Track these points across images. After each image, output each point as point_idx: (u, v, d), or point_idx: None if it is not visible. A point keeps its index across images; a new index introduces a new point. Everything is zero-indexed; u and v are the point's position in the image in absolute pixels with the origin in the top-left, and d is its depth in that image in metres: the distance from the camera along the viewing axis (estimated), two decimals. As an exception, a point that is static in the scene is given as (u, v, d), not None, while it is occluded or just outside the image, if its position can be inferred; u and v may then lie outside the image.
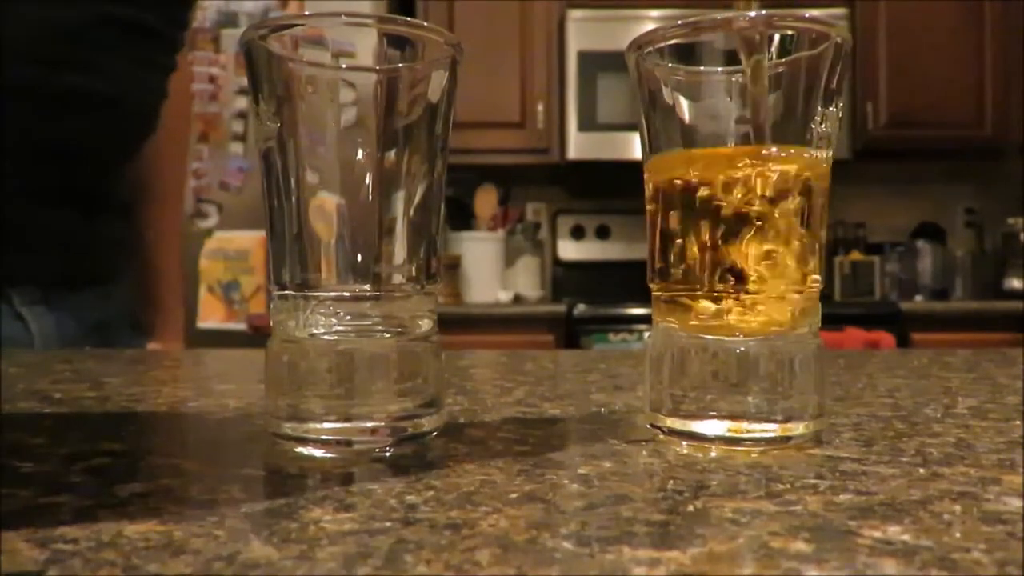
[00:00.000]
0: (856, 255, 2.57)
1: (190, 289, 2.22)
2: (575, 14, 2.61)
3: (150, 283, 0.95)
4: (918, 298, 2.54)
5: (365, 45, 0.30)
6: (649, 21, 2.59)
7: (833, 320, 2.25)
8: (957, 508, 0.21)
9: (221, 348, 0.91)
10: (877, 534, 0.19)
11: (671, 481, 0.24)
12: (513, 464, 0.26)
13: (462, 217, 2.67)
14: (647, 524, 0.20)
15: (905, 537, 0.18)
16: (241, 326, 2.24)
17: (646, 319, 2.61)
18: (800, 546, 0.18)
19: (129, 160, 0.86)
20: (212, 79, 2.32)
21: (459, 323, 2.37)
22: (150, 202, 0.94)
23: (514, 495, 0.22)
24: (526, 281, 2.70)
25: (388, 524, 0.19)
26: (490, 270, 2.60)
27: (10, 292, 0.75)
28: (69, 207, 0.79)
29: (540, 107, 2.68)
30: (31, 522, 0.19)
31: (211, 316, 2.32)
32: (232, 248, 2.29)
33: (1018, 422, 0.33)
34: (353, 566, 0.17)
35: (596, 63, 2.61)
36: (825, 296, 2.66)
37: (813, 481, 0.24)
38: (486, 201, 2.70)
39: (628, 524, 0.20)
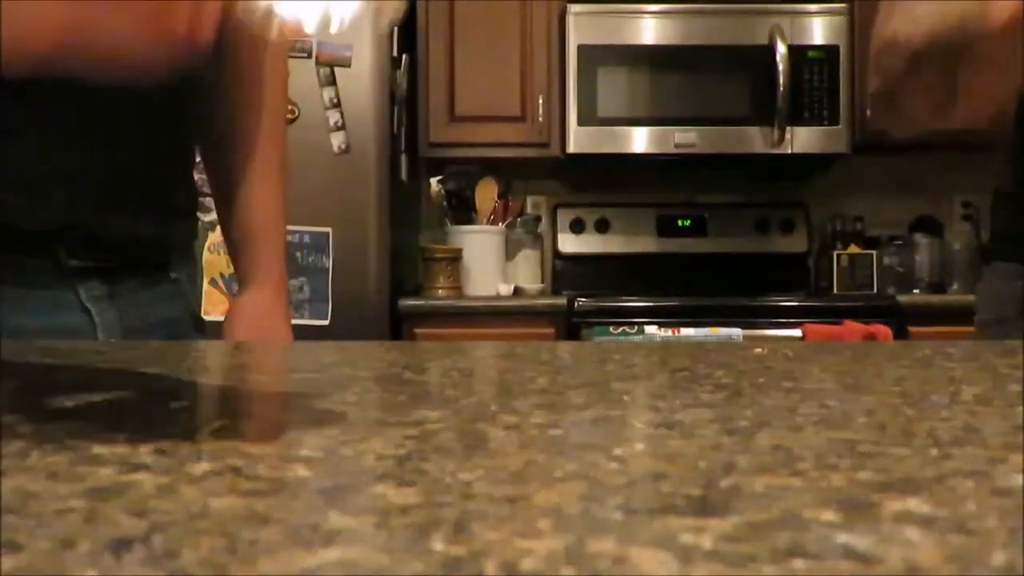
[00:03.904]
0: (854, 248, 2.59)
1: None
2: (575, 8, 2.62)
3: (247, 237, 0.92)
4: (915, 291, 2.57)
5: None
6: (649, 16, 2.61)
7: (831, 313, 2.27)
8: (970, 484, 0.23)
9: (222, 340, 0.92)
10: (898, 506, 0.20)
11: (701, 461, 0.26)
12: (551, 446, 0.28)
13: (463, 211, 2.68)
14: (686, 498, 0.21)
15: (924, 508, 0.20)
16: (244, 319, 2.25)
17: (646, 312, 2.63)
18: (830, 516, 0.20)
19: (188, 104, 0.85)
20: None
21: (460, 316, 2.39)
22: (246, 149, 0.91)
23: (558, 473, 0.24)
24: (526, 274, 2.72)
25: (449, 498, 0.21)
26: (490, 263, 2.62)
27: (78, 285, 0.77)
28: (142, 172, 0.79)
29: (540, 101, 2.69)
30: (122, 496, 0.21)
31: (214, 309, 2.33)
32: (235, 242, 2.30)
33: (1020, 408, 0.35)
34: (427, 534, 0.18)
35: (596, 57, 2.62)
36: (823, 289, 2.68)
37: (834, 461, 0.25)
38: (486, 195, 2.71)
39: (669, 498, 0.21)
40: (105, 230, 0.78)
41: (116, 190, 0.79)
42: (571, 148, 2.57)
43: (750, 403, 0.36)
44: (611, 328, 2.28)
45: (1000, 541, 0.18)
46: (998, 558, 0.17)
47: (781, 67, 2.46)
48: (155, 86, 0.79)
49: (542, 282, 2.75)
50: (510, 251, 2.69)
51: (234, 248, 0.95)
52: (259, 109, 0.93)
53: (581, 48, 2.56)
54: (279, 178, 0.95)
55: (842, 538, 0.18)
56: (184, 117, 0.85)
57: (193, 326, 0.90)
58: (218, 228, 2.51)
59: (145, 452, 0.26)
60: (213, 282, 2.34)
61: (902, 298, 2.32)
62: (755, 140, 2.57)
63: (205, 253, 2.29)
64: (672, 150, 2.55)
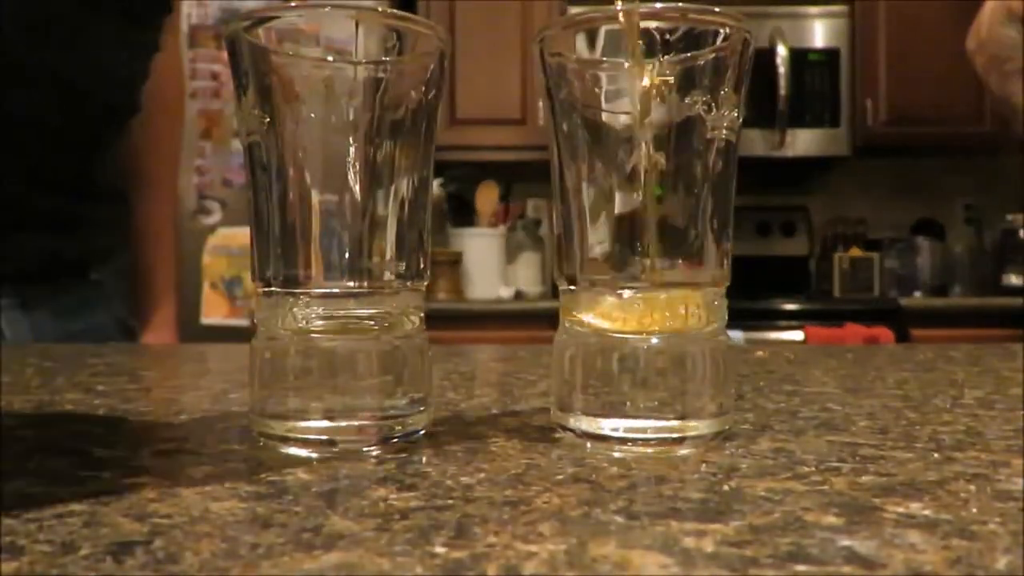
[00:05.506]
0: (855, 251, 2.59)
1: (193, 285, 2.23)
2: (576, 9, 2.61)
3: (141, 274, 0.89)
4: (917, 294, 2.56)
5: (352, 38, 0.30)
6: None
7: (832, 316, 2.27)
8: (972, 487, 0.23)
9: (224, 343, 0.91)
10: (900, 509, 0.20)
11: (703, 464, 0.25)
12: (552, 449, 0.28)
13: (464, 213, 2.68)
14: (688, 501, 0.21)
15: (927, 512, 0.20)
16: (244, 322, 2.26)
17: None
18: (831, 519, 0.20)
19: (113, 142, 0.81)
20: (215, 76, 2.33)
21: (461, 319, 2.39)
22: (141, 189, 0.88)
23: (560, 476, 0.24)
24: (527, 277, 2.72)
25: (451, 501, 0.21)
26: (491, 266, 2.62)
27: None
28: (48, 191, 0.73)
29: (541, 104, 2.68)
30: (122, 499, 0.21)
31: (214, 312, 2.33)
32: (235, 244, 2.30)
33: (1022, 412, 0.35)
34: (428, 537, 0.18)
35: (597, 60, 2.61)
36: (824, 292, 2.65)
37: (836, 464, 0.25)
38: (487, 197, 2.71)
39: (671, 501, 0.21)
40: (12, 210, 0.69)
41: (19, 165, 0.70)
42: (572, 151, 2.56)
43: (752, 406, 0.36)
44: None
45: (1003, 545, 0.18)
46: (1001, 562, 0.17)
47: (782, 70, 2.46)
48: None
49: (543, 285, 2.74)
50: (511, 254, 2.69)
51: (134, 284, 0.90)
52: (160, 147, 0.90)
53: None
54: (170, 213, 0.93)
55: (844, 542, 0.18)
56: (97, 102, 0.77)
57: (120, 333, 0.81)
58: (218, 232, 2.44)
59: (147, 455, 0.26)
60: (214, 286, 2.34)
61: (904, 301, 2.32)
62: (756, 143, 2.56)
63: (204, 256, 2.29)
64: (673, 153, 2.54)
